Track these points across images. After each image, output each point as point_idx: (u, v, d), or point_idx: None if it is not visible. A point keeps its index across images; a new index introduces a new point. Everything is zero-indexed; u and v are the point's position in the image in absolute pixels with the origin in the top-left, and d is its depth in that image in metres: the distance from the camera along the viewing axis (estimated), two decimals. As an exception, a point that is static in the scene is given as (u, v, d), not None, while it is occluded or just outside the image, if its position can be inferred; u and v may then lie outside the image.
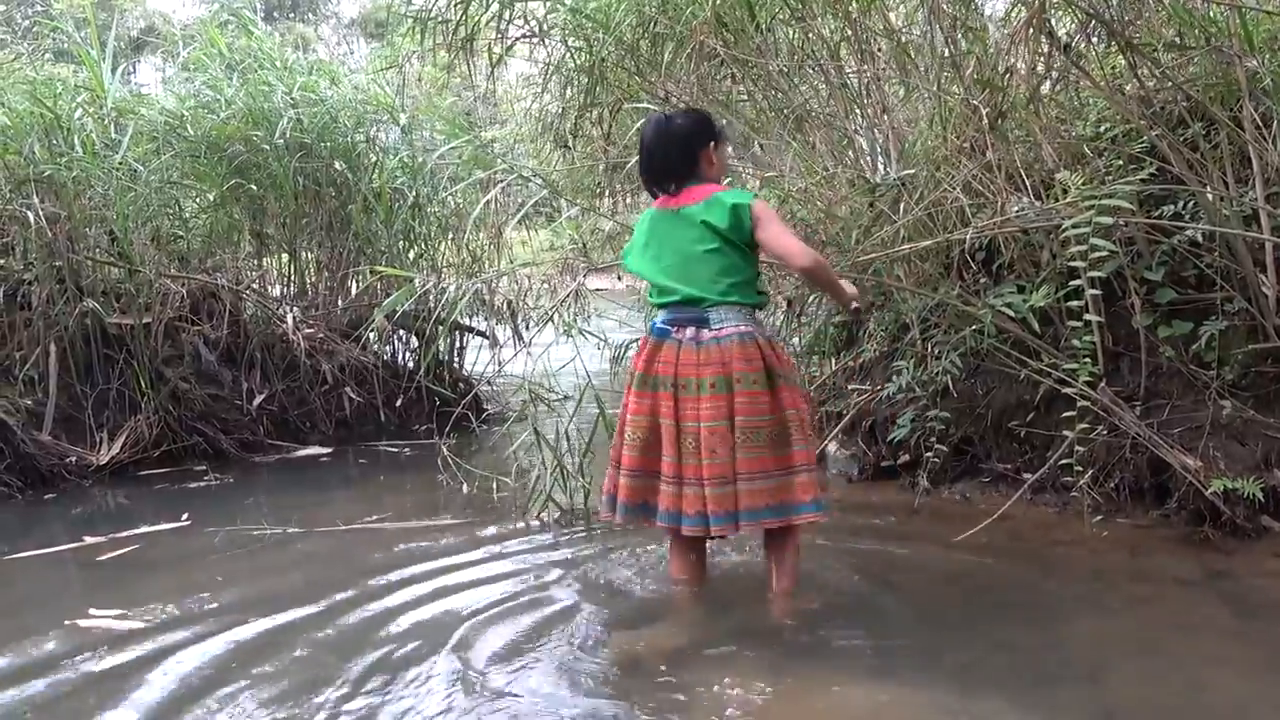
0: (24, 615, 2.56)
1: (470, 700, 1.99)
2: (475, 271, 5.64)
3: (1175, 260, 3.07)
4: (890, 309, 3.73)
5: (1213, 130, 2.99)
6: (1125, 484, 3.10)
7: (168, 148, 4.87)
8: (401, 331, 5.55)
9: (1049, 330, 3.20)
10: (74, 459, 4.05)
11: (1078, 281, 2.60)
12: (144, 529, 3.36)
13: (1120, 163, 3.04)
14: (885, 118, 3.87)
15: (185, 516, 3.50)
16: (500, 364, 5.32)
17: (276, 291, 5.55)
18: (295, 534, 3.28)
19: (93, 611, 2.53)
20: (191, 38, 6.28)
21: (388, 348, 5.52)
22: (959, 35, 3.39)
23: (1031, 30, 3.05)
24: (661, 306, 2.44)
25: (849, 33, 3.81)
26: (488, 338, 5.62)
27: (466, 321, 5.60)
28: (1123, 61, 3.17)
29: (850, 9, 3.64)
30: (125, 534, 3.29)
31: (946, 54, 3.38)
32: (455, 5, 4.23)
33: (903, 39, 3.78)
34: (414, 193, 5.50)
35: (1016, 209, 3.08)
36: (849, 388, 3.97)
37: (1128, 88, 3.27)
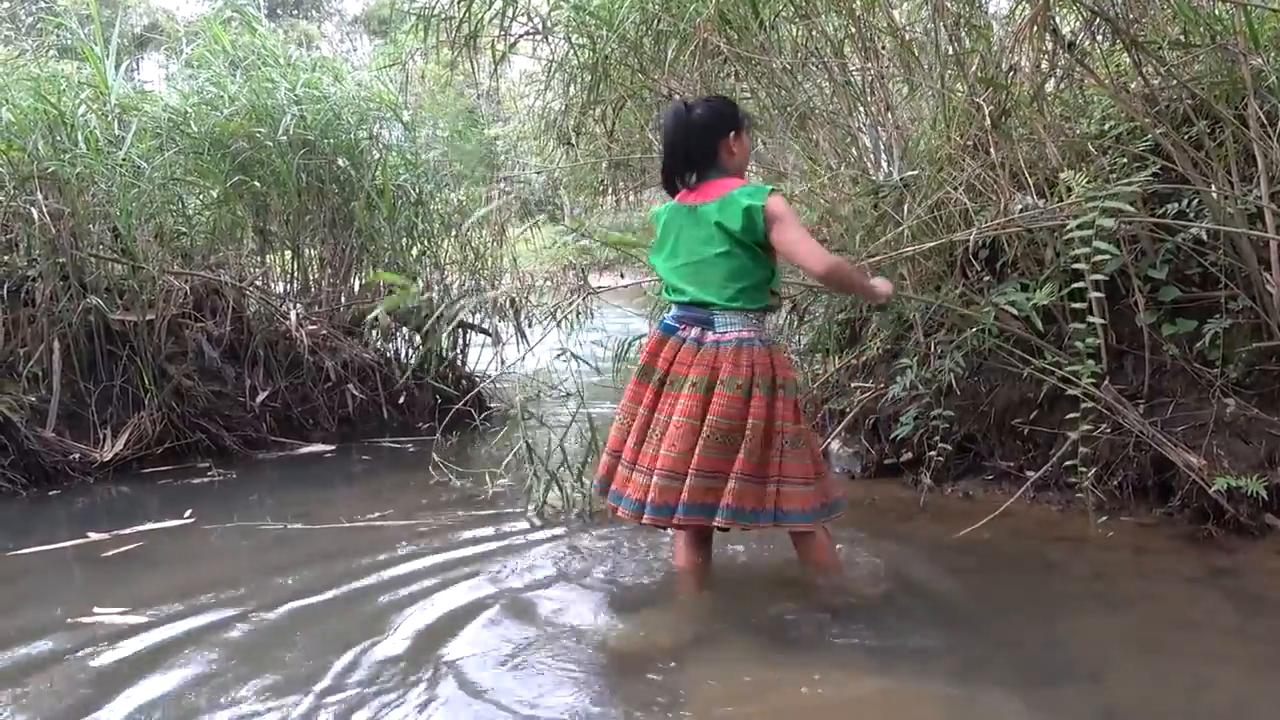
0: (27, 612, 2.57)
1: (464, 694, 2.00)
2: (478, 269, 5.65)
3: (1179, 258, 3.07)
4: (893, 307, 3.73)
5: (1217, 128, 2.99)
6: (1128, 482, 3.10)
7: (171, 144, 4.88)
8: (404, 329, 5.56)
9: (1052, 328, 3.20)
10: (78, 456, 4.06)
11: (1081, 283, 2.60)
12: (148, 526, 3.36)
13: (1124, 161, 3.04)
14: (889, 115, 3.87)
15: (189, 513, 3.51)
16: (503, 362, 5.32)
17: (280, 288, 5.56)
18: (298, 530, 3.29)
19: (96, 608, 2.53)
20: (195, 34, 6.27)
21: (390, 345, 5.52)
22: (963, 33, 3.38)
23: (1036, 28, 3.05)
24: (673, 304, 2.46)
25: (853, 30, 3.80)
26: (490, 335, 5.62)
27: (469, 319, 5.61)
28: (1127, 59, 3.16)
29: (854, 6, 3.64)
30: (129, 530, 3.30)
31: (950, 52, 3.38)
32: (458, 2, 4.23)
33: (907, 36, 3.78)
34: (417, 190, 5.50)
35: (1020, 208, 3.08)
36: (852, 385, 3.97)
37: (1132, 86, 3.26)
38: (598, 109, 4.60)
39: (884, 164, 3.88)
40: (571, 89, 4.70)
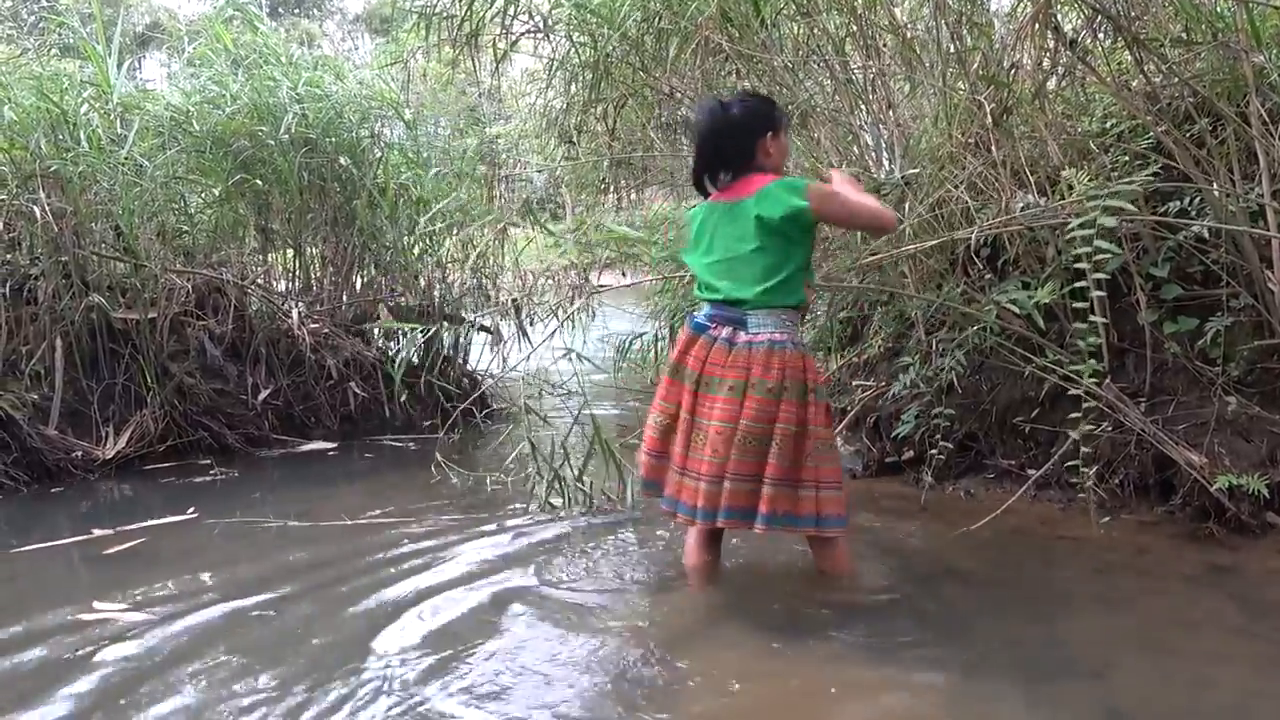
0: (29, 608, 2.57)
1: (463, 692, 2.01)
2: (479, 268, 5.65)
3: (1181, 256, 3.06)
4: (895, 305, 3.73)
5: (1219, 126, 2.98)
6: (1130, 480, 3.10)
7: (173, 143, 4.88)
8: (406, 327, 5.56)
9: (1054, 326, 3.20)
10: (80, 453, 4.07)
11: (1083, 281, 2.59)
12: (150, 522, 3.37)
13: (1126, 159, 3.03)
14: (890, 113, 3.86)
15: (191, 510, 3.51)
16: (505, 361, 5.32)
17: (281, 287, 5.56)
18: (300, 528, 3.29)
19: (97, 604, 2.54)
20: (197, 33, 6.28)
21: (392, 344, 5.52)
22: (964, 31, 3.38)
23: (1037, 25, 3.04)
24: (705, 301, 2.47)
25: (854, 28, 3.80)
26: (492, 333, 5.63)
27: (470, 317, 5.61)
28: (1129, 57, 3.16)
29: (855, 4, 3.64)
30: (132, 527, 3.30)
31: (951, 50, 3.38)
32: (459, 0, 4.23)
33: (908, 34, 3.78)
34: (418, 188, 5.50)
35: (1021, 206, 3.08)
36: (854, 384, 3.98)
37: (1134, 83, 3.26)
38: (599, 107, 4.61)
39: (885, 162, 3.88)
40: (573, 87, 4.70)
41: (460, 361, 5.60)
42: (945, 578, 2.67)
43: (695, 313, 2.50)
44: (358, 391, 4.97)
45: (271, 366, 4.84)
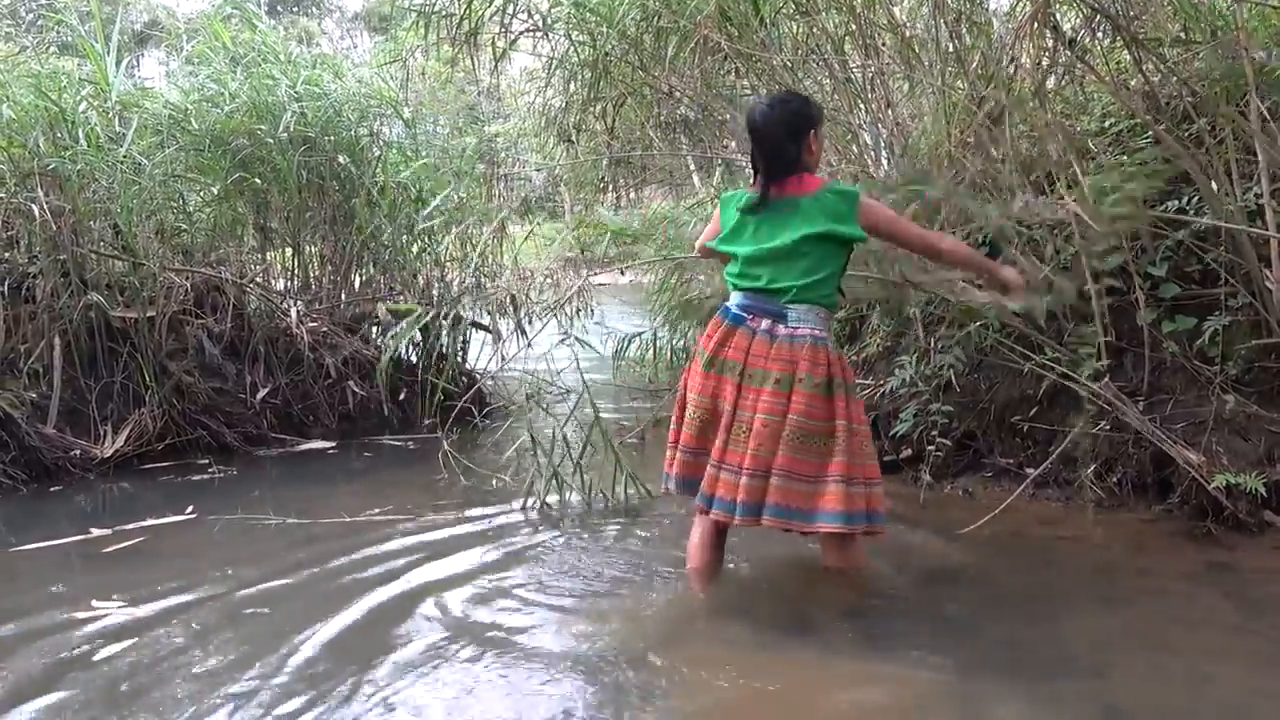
0: (27, 607, 2.57)
1: (458, 689, 2.01)
2: (478, 266, 5.65)
3: (1179, 255, 3.07)
4: (893, 303, 3.72)
5: (1218, 125, 2.99)
6: (1128, 479, 3.11)
7: (172, 141, 4.87)
8: (404, 326, 5.55)
9: (1052, 325, 3.20)
10: (78, 452, 4.06)
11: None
12: (149, 521, 3.36)
13: (1125, 158, 3.03)
14: (889, 113, 3.87)
15: (190, 509, 3.51)
16: (504, 359, 5.32)
17: (280, 285, 5.55)
18: (299, 527, 3.29)
19: (95, 603, 2.54)
20: (195, 31, 6.27)
21: (391, 342, 5.52)
22: (963, 30, 3.38)
23: (1036, 25, 3.05)
24: (740, 290, 2.44)
25: (853, 27, 3.80)
26: (490, 331, 5.62)
27: (470, 316, 5.60)
28: (1128, 56, 3.16)
29: (854, 3, 3.64)
30: (130, 526, 3.30)
31: (951, 49, 3.38)
32: (459, -1, 4.23)
33: (907, 33, 3.78)
34: (417, 187, 5.50)
35: (1019, 205, 3.08)
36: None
37: (1132, 82, 3.27)
38: (598, 106, 4.61)
39: (884, 161, 3.89)
40: (572, 86, 4.70)
41: (459, 360, 5.60)
42: (944, 576, 2.67)
43: (728, 304, 2.47)
44: (356, 390, 4.96)
45: (270, 365, 4.83)
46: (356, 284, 5.61)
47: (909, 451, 3.68)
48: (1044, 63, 3.34)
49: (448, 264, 5.70)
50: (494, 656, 2.18)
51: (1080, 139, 3.21)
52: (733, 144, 4.75)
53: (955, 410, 3.38)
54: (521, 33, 4.59)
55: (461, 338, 5.58)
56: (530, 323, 5.26)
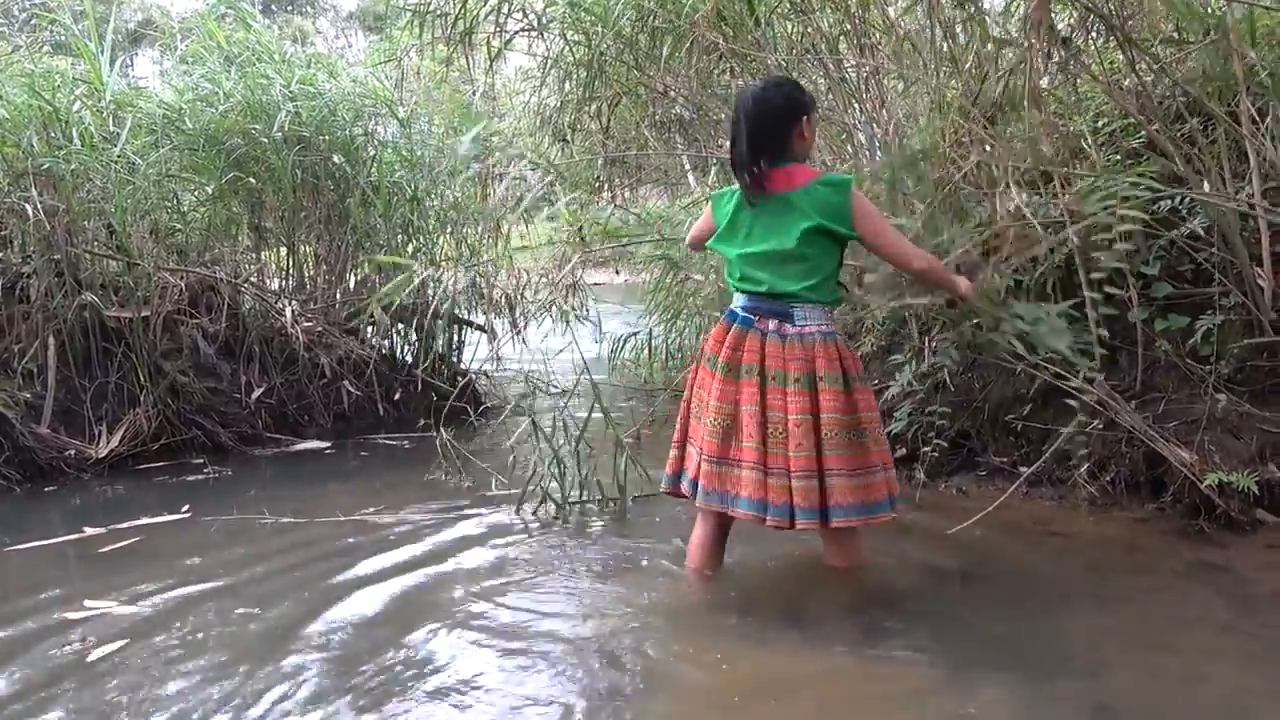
0: (21, 607, 2.57)
1: (451, 687, 2.01)
2: (474, 265, 5.64)
3: (1171, 254, 3.08)
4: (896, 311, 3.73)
5: (1210, 125, 3.00)
6: (1121, 477, 3.11)
7: (166, 141, 4.87)
8: (400, 325, 5.55)
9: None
10: (73, 452, 4.06)
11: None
12: (143, 521, 3.36)
13: (1118, 158, 3.04)
14: (883, 112, 3.87)
15: (185, 509, 3.51)
16: (498, 355, 5.32)
17: (275, 285, 5.55)
18: (295, 526, 3.29)
19: (89, 602, 2.54)
20: (189, 31, 6.27)
21: (385, 341, 5.52)
22: (958, 29, 3.39)
23: (1030, 25, 3.05)
24: (742, 293, 2.44)
25: (848, 27, 3.81)
26: (485, 331, 5.62)
27: (465, 315, 5.60)
28: (1121, 56, 3.17)
29: (849, 3, 3.64)
30: (124, 526, 3.30)
31: (945, 48, 3.38)
32: (453, -2, 4.23)
33: (901, 32, 3.78)
34: (412, 186, 5.50)
35: (1013, 204, 3.08)
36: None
37: (1126, 82, 3.27)
38: (593, 105, 4.61)
39: (878, 160, 3.89)
40: (567, 85, 4.70)
41: (454, 359, 5.60)
42: (937, 575, 2.68)
43: (733, 307, 2.46)
44: (351, 390, 4.96)
45: (265, 365, 4.83)
46: (351, 284, 5.60)
47: (903, 450, 3.69)
48: (1038, 63, 3.34)
49: (443, 264, 5.69)
50: (491, 654, 2.18)
51: (1073, 139, 3.22)
52: (727, 143, 4.75)
53: (949, 410, 3.38)
54: (516, 32, 4.59)
55: (456, 337, 5.59)
56: (525, 324, 5.26)
